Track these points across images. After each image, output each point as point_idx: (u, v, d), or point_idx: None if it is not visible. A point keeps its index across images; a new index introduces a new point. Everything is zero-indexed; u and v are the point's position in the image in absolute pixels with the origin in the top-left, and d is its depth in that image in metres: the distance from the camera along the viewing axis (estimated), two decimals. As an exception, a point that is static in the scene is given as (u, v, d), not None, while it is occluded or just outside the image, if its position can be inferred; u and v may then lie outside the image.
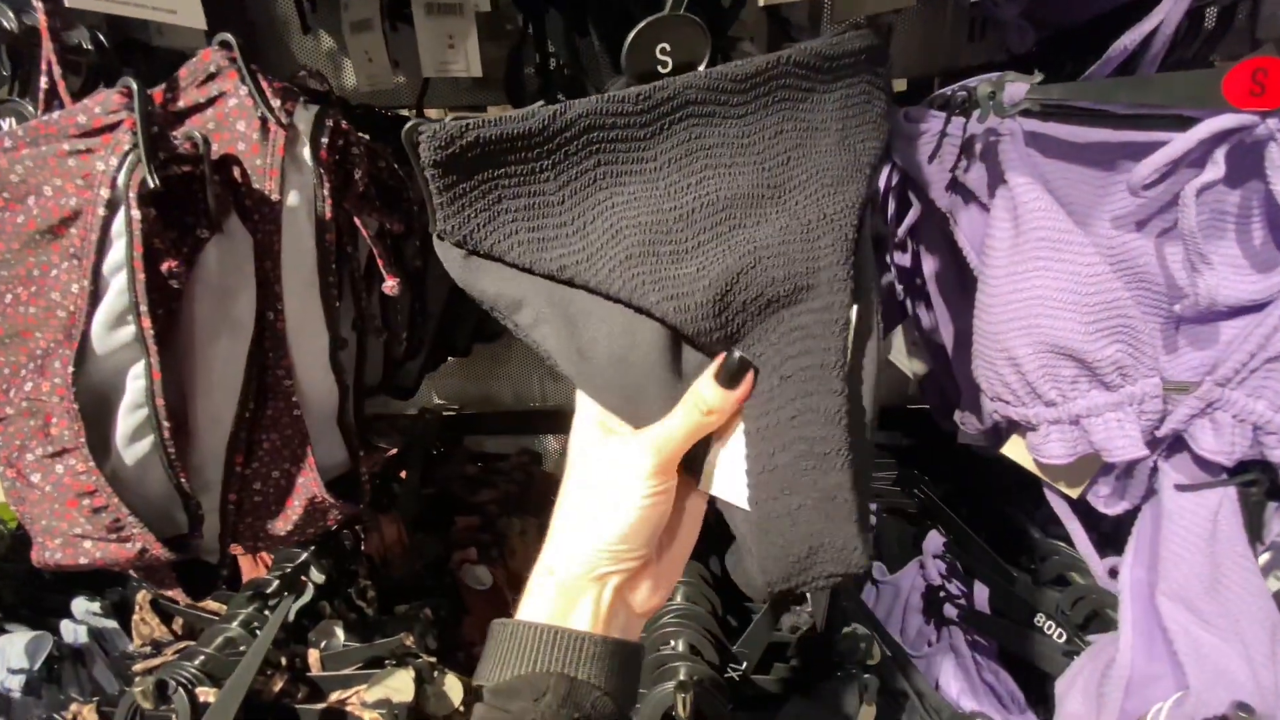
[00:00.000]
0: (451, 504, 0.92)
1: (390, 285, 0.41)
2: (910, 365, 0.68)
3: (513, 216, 0.33)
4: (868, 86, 0.37)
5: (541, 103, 0.33)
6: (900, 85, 0.88)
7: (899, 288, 0.68)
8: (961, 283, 0.55)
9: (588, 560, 0.31)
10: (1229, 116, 0.40)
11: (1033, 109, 0.44)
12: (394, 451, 0.93)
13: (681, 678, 0.48)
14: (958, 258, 0.54)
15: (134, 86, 0.32)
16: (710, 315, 0.32)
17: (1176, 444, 0.49)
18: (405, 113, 0.85)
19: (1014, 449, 0.51)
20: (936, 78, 0.81)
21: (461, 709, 0.63)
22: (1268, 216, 0.46)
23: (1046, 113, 0.46)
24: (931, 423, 0.68)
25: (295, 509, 0.46)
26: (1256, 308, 0.46)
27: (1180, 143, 0.41)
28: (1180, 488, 0.48)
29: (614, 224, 0.33)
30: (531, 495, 1.00)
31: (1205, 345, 0.48)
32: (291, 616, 0.58)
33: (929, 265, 0.58)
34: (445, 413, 1.07)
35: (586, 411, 0.34)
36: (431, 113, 0.90)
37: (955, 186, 0.51)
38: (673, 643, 0.54)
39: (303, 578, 0.59)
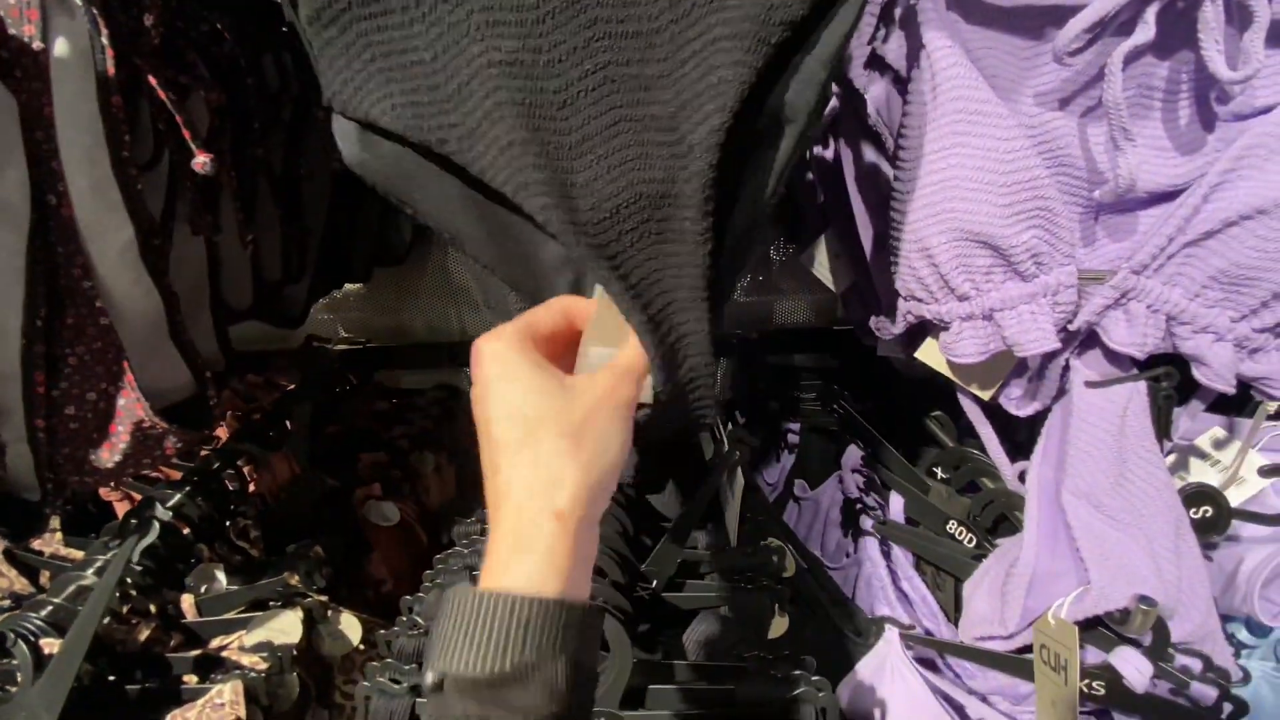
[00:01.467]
0: (360, 440, 0.86)
1: (200, 161, 0.34)
2: (833, 279, 0.65)
3: (386, 77, 0.30)
4: None
5: None
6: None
7: (820, 194, 0.64)
8: (880, 181, 0.51)
9: (596, 499, 0.25)
10: (1158, -30, 0.37)
11: (955, -38, 0.40)
12: (291, 387, 0.86)
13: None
14: (878, 148, 0.50)
15: None
16: (589, 235, 0.30)
17: (1088, 341, 0.48)
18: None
19: (927, 352, 0.49)
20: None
21: (362, 648, 0.60)
22: (1195, 93, 0.43)
23: (970, -30, 0.41)
24: (856, 343, 0.66)
25: (120, 435, 0.40)
26: (1175, 195, 0.44)
27: (1106, 2, 0.37)
28: (1090, 384, 0.46)
29: (492, 96, 0.29)
30: (449, 430, 0.95)
31: (1122, 236, 0.45)
32: (135, 557, 0.52)
33: (848, 162, 0.54)
34: (352, 346, 0.99)
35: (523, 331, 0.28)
36: None
37: (872, 63, 0.46)
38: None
39: (151, 516, 0.53)
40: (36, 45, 0.32)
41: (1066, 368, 0.48)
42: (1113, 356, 0.47)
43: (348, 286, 0.95)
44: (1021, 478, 0.53)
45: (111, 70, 0.33)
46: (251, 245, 0.51)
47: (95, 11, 0.31)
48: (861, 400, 0.74)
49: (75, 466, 0.41)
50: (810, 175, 0.64)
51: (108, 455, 0.41)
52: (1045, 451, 0.48)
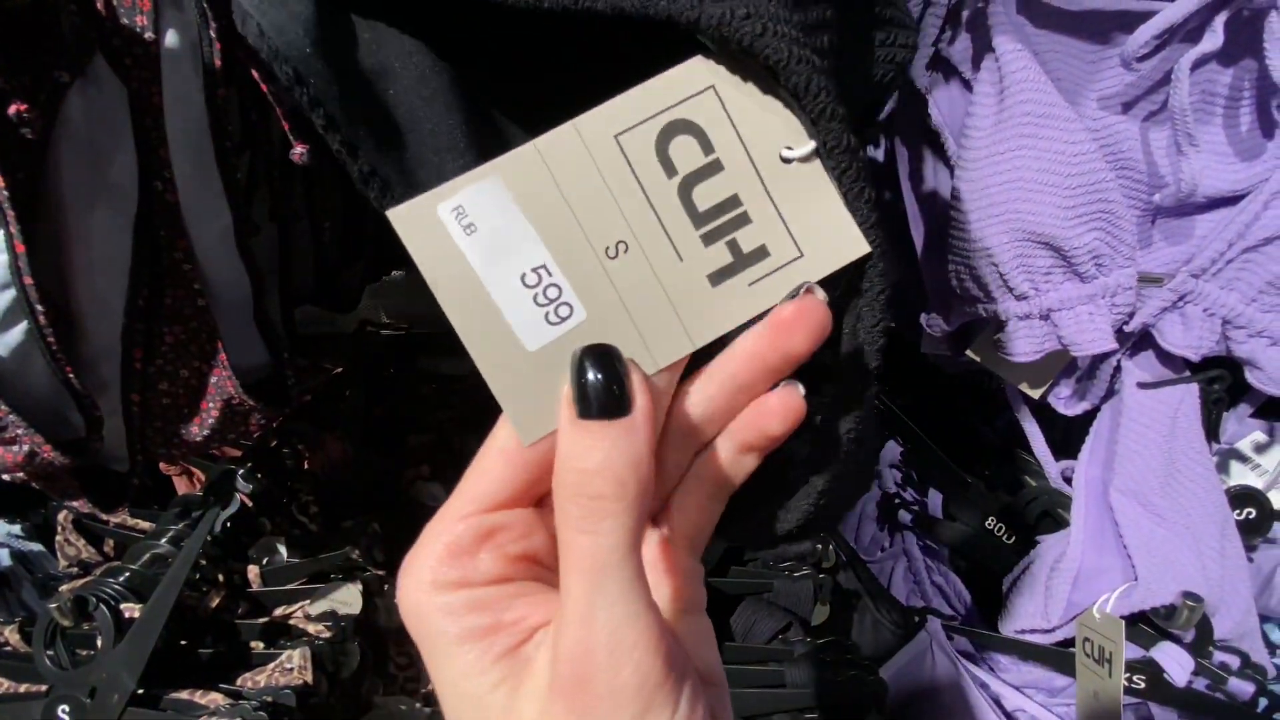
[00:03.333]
0: (404, 424, 0.88)
1: (298, 152, 0.36)
2: (877, 272, 0.66)
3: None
4: None
5: None
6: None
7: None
8: (936, 178, 0.52)
9: None
10: (1231, -21, 0.37)
11: (1026, -34, 0.40)
12: (339, 370, 0.89)
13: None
14: (935, 148, 0.51)
15: None
16: None
17: (1141, 342, 0.48)
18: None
19: (979, 349, 0.50)
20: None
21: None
22: (1258, 100, 0.44)
23: (1040, -25, 0.41)
24: (895, 335, 0.67)
25: (210, 411, 0.42)
26: (1234, 200, 0.44)
27: (1178, 7, 0.38)
28: (1143, 385, 0.47)
29: None
30: (491, 413, 0.97)
31: (1180, 239, 0.46)
32: (218, 528, 0.55)
33: (903, 161, 0.55)
34: (394, 332, 1.01)
35: None
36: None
37: (936, 63, 0.46)
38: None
39: (231, 488, 0.56)
40: (148, 36, 0.33)
41: (1117, 369, 0.48)
42: (1165, 358, 0.47)
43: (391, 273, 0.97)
44: (1065, 477, 0.54)
45: (218, 62, 0.34)
46: (326, 231, 0.53)
47: (204, 5, 0.33)
48: (900, 395, 0.75)
49: (164, 440, 0.43)
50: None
51: (197, 430, 0.43)
52: (1093, 450, 0.49)
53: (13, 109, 0.29)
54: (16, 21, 0.31)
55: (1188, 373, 0.46)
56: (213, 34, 0.34)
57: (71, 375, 0.37)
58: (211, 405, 0.42)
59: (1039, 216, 0.40)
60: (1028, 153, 0.40)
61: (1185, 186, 0.41)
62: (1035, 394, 0.50)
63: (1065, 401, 0.50)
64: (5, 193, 0.31)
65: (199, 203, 0.38)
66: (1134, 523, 0.45)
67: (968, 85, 0.44)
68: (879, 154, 0.61)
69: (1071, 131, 0.39)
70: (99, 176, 0.35)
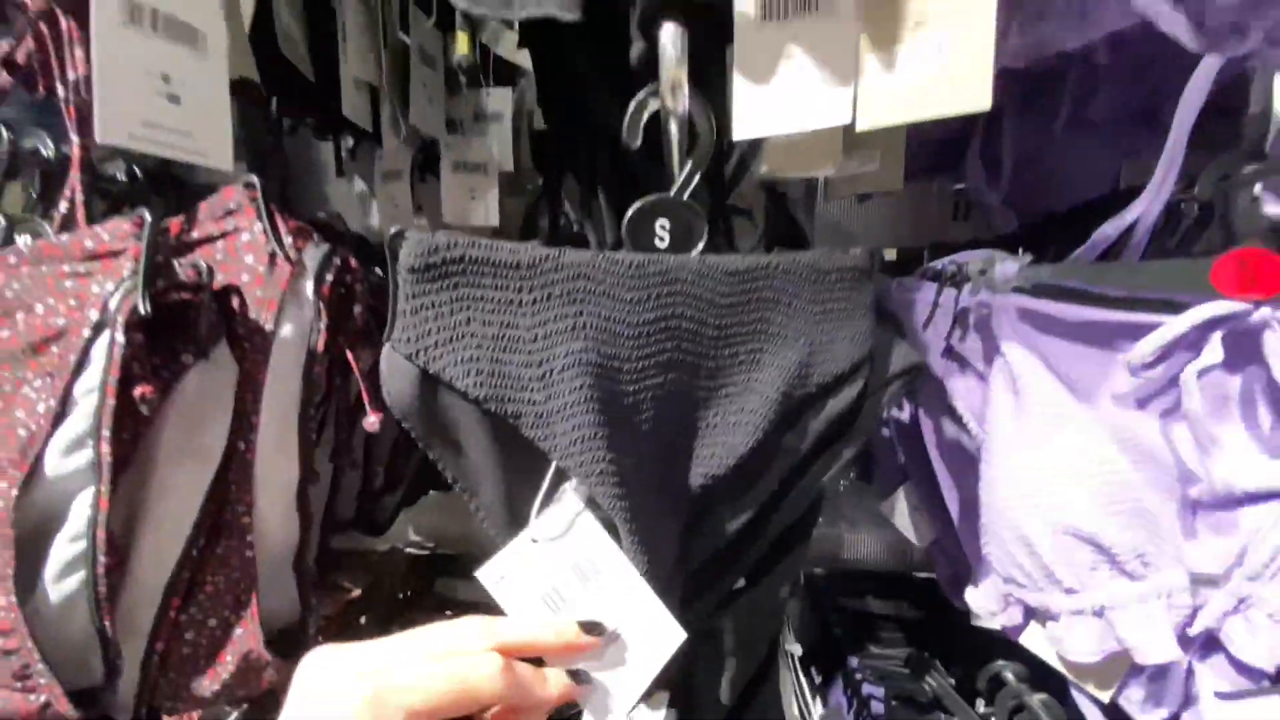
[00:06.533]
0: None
1: (372, 421, 0.40)
2: (915, 533, 0.65)
3: (478, 343, 0.32)
4: (850, 304, 0.39)
5: (536, 242, 0.34)
6: (890, 255, 0.93)
7: (899, 448, 0.66)
8: (964, 448, 0.54)
9: None
10: (1220, 304, 0.41)
11: (1024, 286, 0.46)
12: (357, 593, 0.87)
13: None
14: (960, 425, 0.53)
15: (146, 216, 0.33)
16: (637, 520, 0.34)
17: (1212, 643, 0.45)
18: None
19: (1034, 639, 0.46)
20: (925, 250, 0.86)
21: None
22: (1273, 401, 0.45)
23: (1038, 290, 0.47)
24: (938, 591, 0.63)
25: (227, 665, 0.41)
26: (1276, 495, 0.44)
27: (1172, 327, 0.41)
28: (1222, 695, 0.43)
29: (579, 391, 0.32)
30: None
31: (1227, 531, 0.45)
32: None
33: (928, 429, 0.57)
34: (420, 551, 1.01)
35: None
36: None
37: (950, 354, 0.51)
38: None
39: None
40: (269, 328, 0.40)
41: (1190, 672, 0.44)
42: (1241, 664, 0.43)
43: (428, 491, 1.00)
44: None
45: (321, 347, 0.40)
46: (377, 475, 0.56)
47: (322, 305, 0.40)
48: (952, 664, 0.68)
49: (173, 692, 0.42)
50: (887, 432, 0.67)
51: (208, 684, 0.42)
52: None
53: (138, 391, 0.34)
54: (165, 313, 0.38)
55: (1267, 683, 0.42)
56: (322, 325, 0.40)
57: (109, 623, 0.38)
58: (230, 658, 0.42)
59: (1073, 511, 0.41)
60: (1051, 449, 0.41)
61: (1219, 486, 0.41)
62: (1104, 697, 0.45)
63: (1140, 706, 0.45)
64: (108, 459, 0.34)
65: (272, 461, 0.41)
66: None
67: (982, 376, 0.48)
68: (904, 416, 0.64)
69: (1090, 432, 0.41)
70: (193, 440, 0.39)
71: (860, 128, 0.34)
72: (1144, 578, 0.41)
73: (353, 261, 0.42)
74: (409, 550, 1.01)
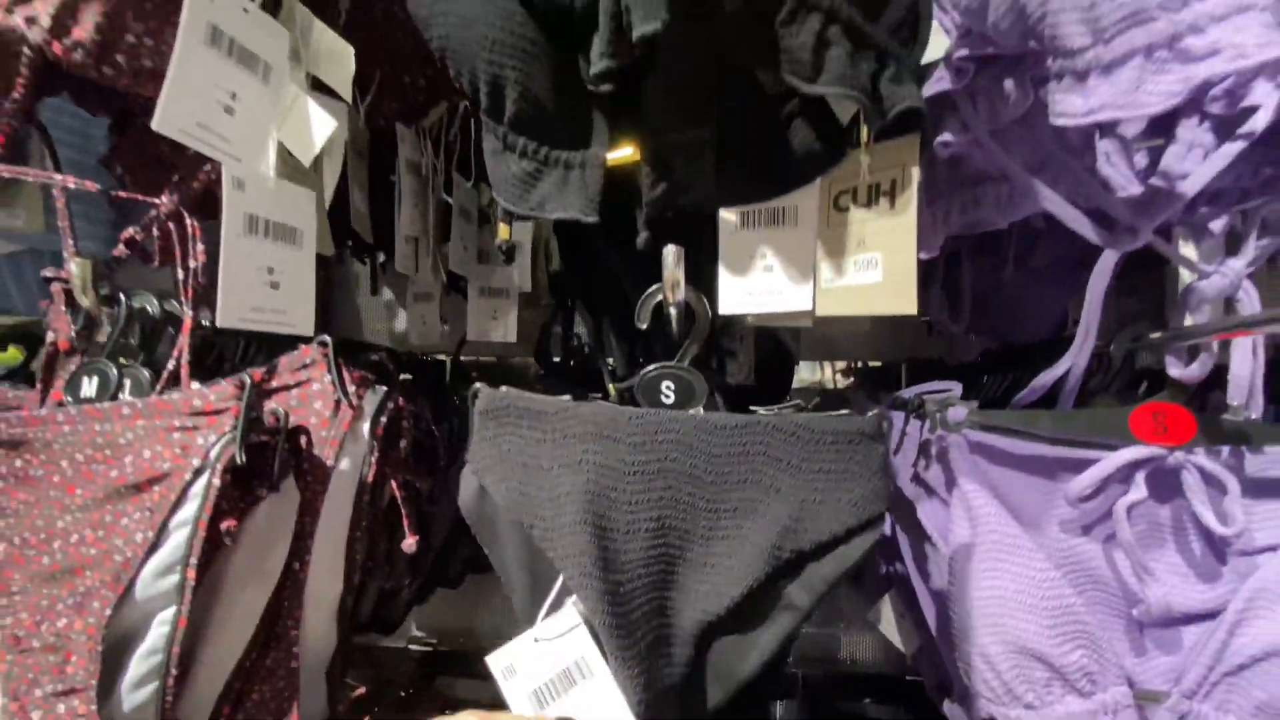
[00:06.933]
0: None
1: (409, 544, 0.46)
2: (900, 639, 0.69)
3: (510, 467, 0.42)
4: (851, 466, 0.42)
5: (569, 396, 0.42)
6: (874, 363, 1.01)
7: (880, 559, 0.71)
8: (937, 571, 0.59)
9: None
10: (1139, 449, 0.48)
11: (973, 425, 0.53)
12: (362, 690, 0.89)
13: None
14: (928, 540, 0.59)
15: (247, 382, 0.41)
16: (620, 638, 0.39)
17: (1167, 758, 0.49)
18: (442, 357, 0.98)
19: (1003, 750, 0.50)
20: (904, 363, 0.94)
21: None
22: (1200, 530, 0.51)
23: (987, 427, 0.54)
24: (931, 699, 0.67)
25: (270, 768, 0.45)
26: (1212, 614, 0.49)
27: (1100, 468, 0.48)
28: (1177, 811, 0.46)
29: (578, 515, 0.39)
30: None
31: (1171, 649, 0.50)
32: None
33: (905, 544, 0.63)
34: (423, 648, 1.04)
35: None
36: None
37: (917, 479, 0.57)
38: None
39: None
40: (329, 463, 0.47)
41: (1149, 784, 0.48)
42: (1194, 779, 0.47)
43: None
44: None
45: (371, 479, 0.47)
46: (398, 577, 0.61)
47: (374, 443, 0.47)
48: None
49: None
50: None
51: (245, 788, 0.46)
52: None
53: (225, 525, 0.41)
54: (249, 455, 0.45)
55: (1221, 800, 0.46)
56: (373, 459, 0.47)
57: (171, 730, 0.42)
58: (272, 762, 0.46)
59: (1024, 632, 0.46)
60: (1004, 576, 0.47)
61: (1155, 610, 0.47)
62: (1070, 809, 0.48)
63: (1106, 818, 0.49)
64: (192, 583, 0.41)
65: (322, 578, 0.47)
66: None
67: (945, 502, 0.54)
68: (885, 529, 0.69)
69: (1036, 562, 0.47)
70: (258, 563, 0.45)
71: (819, 314, 0.42)
72: (1092, 694, 0.45)
73: (401, 401, 0.50)
74: (412, 647, 1.03)
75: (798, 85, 0.34)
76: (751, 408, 0.59)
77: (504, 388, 0.43)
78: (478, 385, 0.42)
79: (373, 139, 0.60)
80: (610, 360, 0.66)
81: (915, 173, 0.38)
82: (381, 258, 0.98)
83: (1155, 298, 0.62)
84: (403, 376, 1.00)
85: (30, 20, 0.36)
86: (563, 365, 0.81)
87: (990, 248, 0.71)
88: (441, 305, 0.91)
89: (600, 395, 0.59)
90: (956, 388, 0.59)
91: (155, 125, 0.36)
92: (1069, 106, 0.39)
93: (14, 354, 0.85)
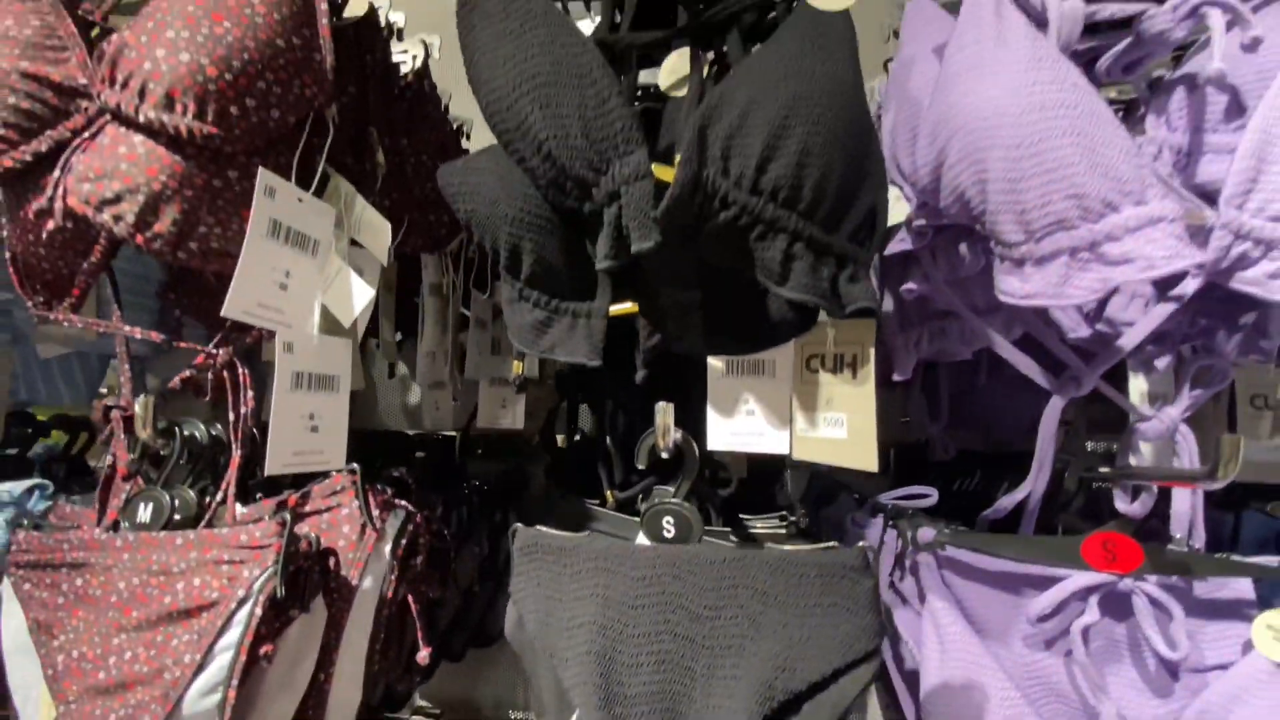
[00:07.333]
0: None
1: (423, 656, 0.51)
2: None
3: (539, 599, 0.47)
4: (840, 599, 0.44)
5: (588, 533, 0.47)
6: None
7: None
8: (913, 668, 0.63)
9: None
10: (1091, 575, 0.53)
11: (940, 544, 0.57)
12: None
13: None
14: (905, 645, 0.63)
15: (288, 521, 0.46)
16: None
17: None
18: (451, 432, 1.04)
19: None
20: (892, 448, 0.99)
21: None
22: (1153, 649, 0.55)
23: (955, 543, 0.58)
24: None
25: None
26: (1169, 728, 0.53)
27: (1055, 592, 0.53)
28: None
29: (585, 642, 0.44)
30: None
31: (1132, 759, 0.53)
32: None
33: (884, 647, 0.67)
34: (427, 718, 1.07)
35: None
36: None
37: (893, 588, 0.62)
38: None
39: None
40: (354, 582, 0.52)
41: None
42: None
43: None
44: None
45: (390, 594, 0.52)
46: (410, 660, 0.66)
47: (394, 562, 0.52)
48: None
49: None
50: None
51: None
52: None
53: (264, 650, 0.46)
54: (290, 581, 0.50)
55: None
56: (393, 577, 0.52)
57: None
58: None
59: (989, 747, 0.50)
60: (969, 694, 0.51)
61: (1109, 727, 0.50)
62: None
63: None
64: (233, 702, 0.45)
65: (344, 687, 0.52)
66: None
67: (918, 612, 0.58)
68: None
69: (998, 681, 0.51)
70: (288, 676, 0.50)
71: (795, 458, 0.47)
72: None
73: (420, 519, 0.55)
74: (415, 718, 1.07)
75: (769, 286, 0.40)
76: (740, 515, 0.64)
77: (538, 526, 0.48)
78: (517, 525, 0.48)
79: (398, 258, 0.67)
80: (609, 464, 0.71)
81: (871, 352, 0.44)
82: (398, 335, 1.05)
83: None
84: (416, 454, 1.05)
85: (117, 219, 0.42)
86: (567, 449, 0.87)
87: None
88: (454, 390, 0.97)
89: (598, 502, 0.65)
90: (932, 495, 0.64)
91: (224, 312, 0.43)
92: (1009, 287, 0.45)
93: (57, 437, 0.92)
